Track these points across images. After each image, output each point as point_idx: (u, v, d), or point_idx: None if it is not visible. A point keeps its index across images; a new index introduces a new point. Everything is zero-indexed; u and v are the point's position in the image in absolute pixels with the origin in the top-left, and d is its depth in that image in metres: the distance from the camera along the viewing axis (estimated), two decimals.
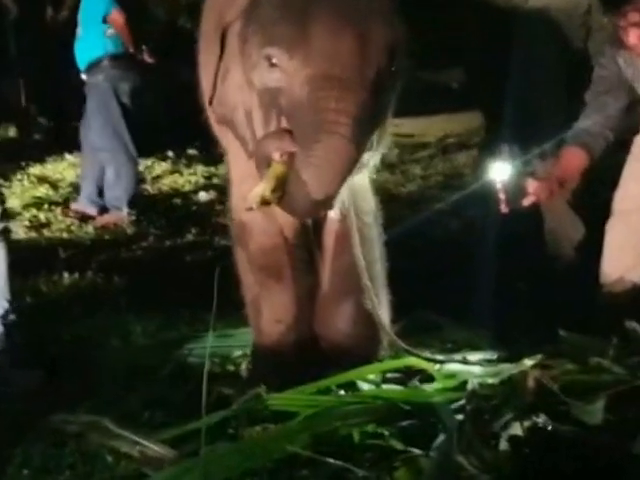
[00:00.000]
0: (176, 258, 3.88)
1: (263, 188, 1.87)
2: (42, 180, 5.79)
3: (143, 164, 6.35)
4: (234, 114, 2.07)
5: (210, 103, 2.17)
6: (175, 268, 3.66)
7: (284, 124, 1.87)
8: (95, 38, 4.78)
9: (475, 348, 2.52)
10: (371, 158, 2.04)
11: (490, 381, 2.06)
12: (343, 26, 1.76)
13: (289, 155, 1.82)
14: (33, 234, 4.44)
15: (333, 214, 2.23)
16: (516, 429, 1.80)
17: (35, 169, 6.14)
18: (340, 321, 2.26)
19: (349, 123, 1.73)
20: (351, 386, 2.13)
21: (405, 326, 2.75)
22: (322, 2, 1.79)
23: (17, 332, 2.48)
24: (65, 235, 4.43)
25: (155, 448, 1.86)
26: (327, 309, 2.28)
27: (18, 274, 3.35)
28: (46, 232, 4.49)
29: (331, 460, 1.68)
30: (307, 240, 2.30)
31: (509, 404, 1.91)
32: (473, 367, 2.21)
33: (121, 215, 4.72)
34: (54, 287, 3.37)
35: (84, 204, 4.89)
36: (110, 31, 4.74)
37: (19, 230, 4.47)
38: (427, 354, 2.34)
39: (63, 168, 6.10)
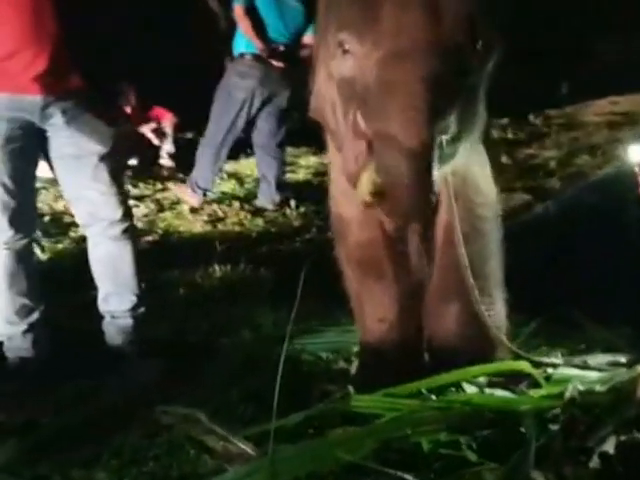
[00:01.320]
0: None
1: (368, 176, 1.76)
2: (232, 176, 6.06)
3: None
4: (325, 107, 2.03)
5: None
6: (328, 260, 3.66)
7: (359, 117, 1.79)
8: (238, 34, 4.86)
9: (613, 350, 2.30)
10: (460, 145, 1.90)
11: (598, 388, 1.86)
12: (411, 2, 1.66)
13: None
14: (208, 227, 4.65)
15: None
16: (612, 445, 1.61)
17: (230, 166, 6.43)
18: (449, 320, 2.13)
19: (421, 95, 1.60)
20: (456, 388, 2.02)
21: (543, 323, 2.58)
22: None
23: (144, 325, 2.62)
24: (237, 228, 4.60)
25: (238, 444, 1.87)
26: (436, 307, 2.15)
27: (180, 266, 3.56)
28: (220, 226, 4.69)
29: (390, 470, 1.59)
30: (412, 234, 2.20)
31: (612, 415, 1.71)
32: (590, 372, 2.02)
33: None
34: (208, 279, 3.51)
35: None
36: None
37: (197, 224, 4.71)
38: (544, 357, 2.17)
39: (254, 164, 6.33)
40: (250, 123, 5.03)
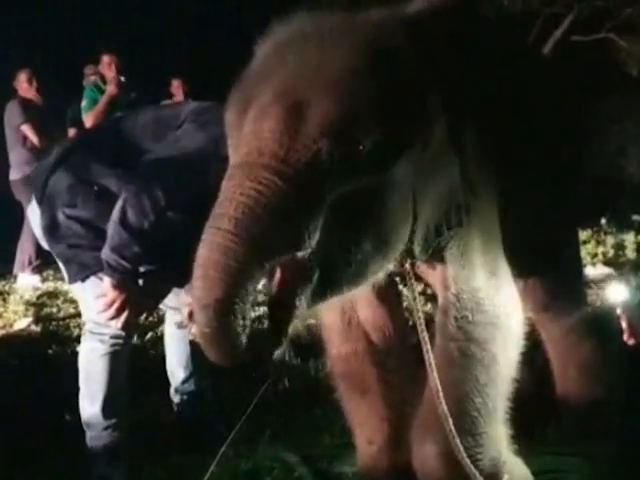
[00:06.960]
0: None
1: None
2: None
3: None
4: None
5: None
6: None
7: None
8: None
9: None
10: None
11: None
12: (271, 105, 1.41)
13: None
14: None
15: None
16: None
17: None
18: (430, 453, 1.74)
19: (239, 217, 1.34)
20: None
21: None
22: (265, 79, 1.46)
23: None
24: None
25: None
26: (418, 437, 1.78)
27: None
28: None
29: None
30: (402, 347, 1.92)
31: None
32: None
33: None
34: None
35: None
36: None
37: None
38: None
39: None
40: None
